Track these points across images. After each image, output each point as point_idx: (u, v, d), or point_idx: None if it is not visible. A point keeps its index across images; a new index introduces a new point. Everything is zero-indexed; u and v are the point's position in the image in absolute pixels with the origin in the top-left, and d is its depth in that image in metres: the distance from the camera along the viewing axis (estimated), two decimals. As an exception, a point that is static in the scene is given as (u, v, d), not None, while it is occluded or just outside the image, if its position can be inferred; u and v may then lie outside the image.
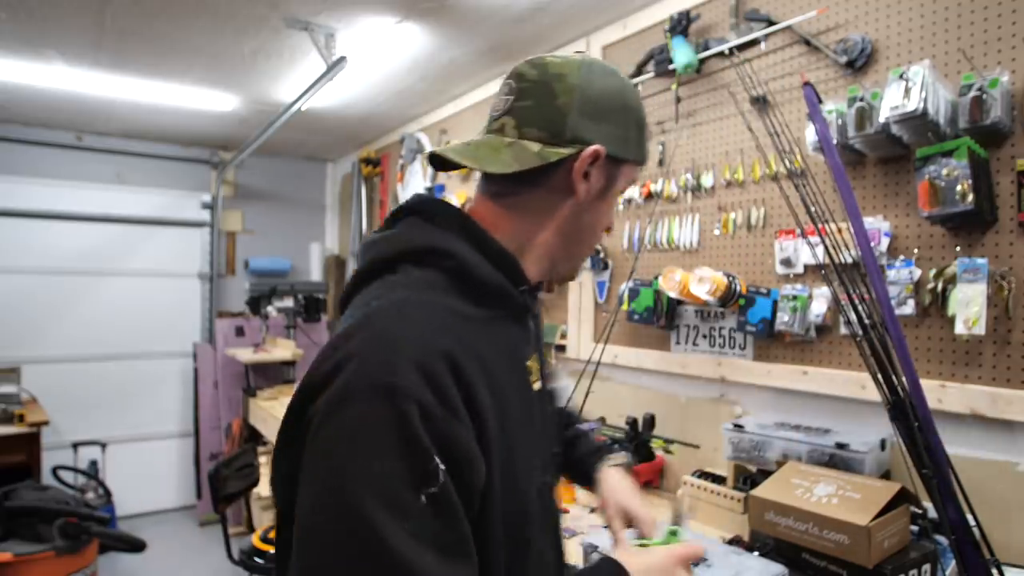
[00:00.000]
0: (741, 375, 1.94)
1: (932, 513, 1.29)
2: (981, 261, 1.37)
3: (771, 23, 1.85)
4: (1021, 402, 1.35)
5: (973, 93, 1.35)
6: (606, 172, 0.79)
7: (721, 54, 1.99)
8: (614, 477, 1.11)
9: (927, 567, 1.28)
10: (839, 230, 1.30)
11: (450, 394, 0.62)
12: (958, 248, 1.46)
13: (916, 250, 1.54)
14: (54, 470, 3.88)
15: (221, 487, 2.51)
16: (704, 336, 2.06)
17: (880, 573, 1.22)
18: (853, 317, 1.20)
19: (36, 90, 3.42)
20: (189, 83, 3.30)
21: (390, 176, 4.24)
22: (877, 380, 1.16)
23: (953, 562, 1.18)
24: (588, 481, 1.12)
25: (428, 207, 0.79)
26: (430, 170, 3.58)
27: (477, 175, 0.83)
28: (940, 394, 1.46)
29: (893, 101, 1.42)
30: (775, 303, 1.80)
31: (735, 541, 1.52)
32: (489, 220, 0.78)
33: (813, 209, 1.28)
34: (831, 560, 1.27)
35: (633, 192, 2.32)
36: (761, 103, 1.82)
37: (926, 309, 1.50)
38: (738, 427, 1.72)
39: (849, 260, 1.25)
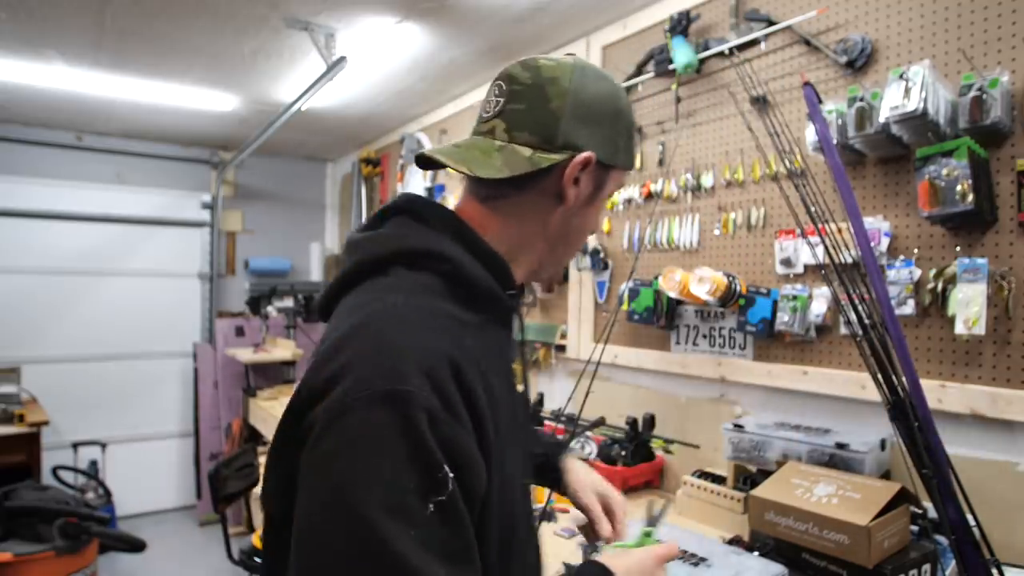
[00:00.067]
0: (741, 375, 1.94)
1: (932, 513, 1.30)
2: (981, 261, 1.37)
3: (771, 23, 1.85)
4: (1021, 402, 1.35)
5: (973, 93, 1.35)
6: (595, 178, 0.79)
7: (721, 54, 1.99)
8: (580, 465, 1.12)
9: (927, 567, 1.28)
10: (839, 230, 1.30)
11: (454, 400, 0.61)
12: (958, 248, 1.46)
13: (916, 250, 1.54)
14: (54, 470, 3.88)
15: (221, 487, 2.51)
16: (704, 336, 2.06)
17: (880, 573, 1.22)
18: (853, 317, 1.20)
19: (36, 90, 3.42)
20: (189, 83, 3.30)
21: (390, 176, 4.24)
22: (877, 380, 1.16)
23: (953, 562, 1.18)
24: (550, 474, 1.11)
25: (419, 207, 0.77)
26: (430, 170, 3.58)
27: None
28: (940, 394, 1.46)
29: (893, 101, 1.42)
30: (775, 303, 1.80)
31: (735, 541, 1.52)
32: (478, 222, 0.78)
33: (813, 209, 1.28)
34: (831, 560, 1.27)
35: (633, 192, 2.32)
36: (761, 103, 1.82)
37: (926, 309, 1.50)
38: (738, 427, 1.72)
39: (849, 260, 1.25)
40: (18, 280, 4.23)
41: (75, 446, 4.27)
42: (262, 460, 2.96)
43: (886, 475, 1.54)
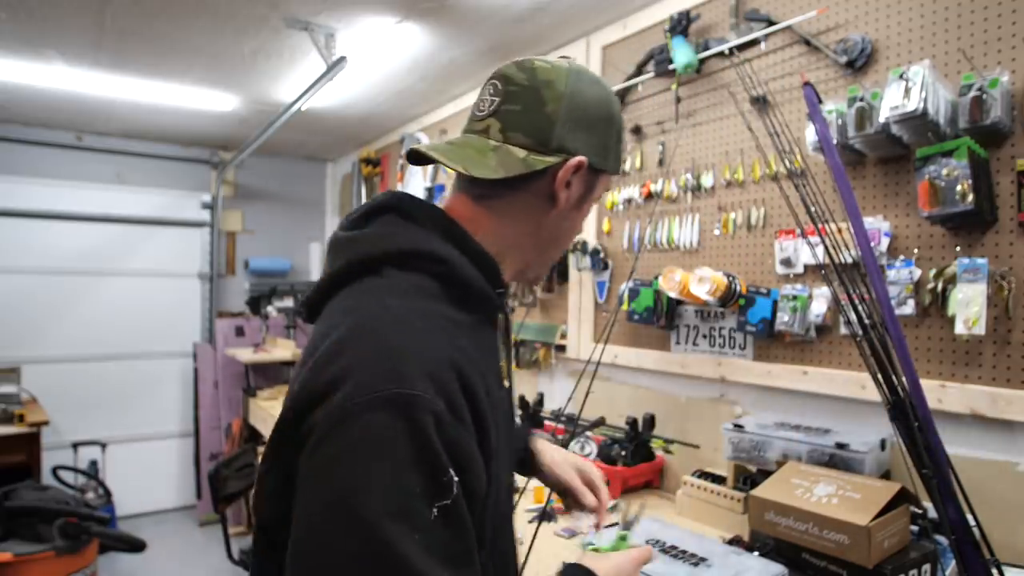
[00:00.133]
0: (741, 375, 1.94)
1: (932, 513, 1.30)
2: (981, 261, 1.37)
3: (771, 23, 1.85)
4: (1021, 402, 1.35)
5: (973, 93, 1.35)
6: (585, 181, 0.80)
7: (721, 54, 1.99)
8: (549, 444, 1.13)
9: (927, 567, 1.28)
10: (839, 230, 1.30)
11: (458, 403, 0.61)
12: (958, 248, 1.46)
13: (916, 250, 1.54)
14: (54, 470, 3.88)
15: (221, 487, 2.52)
16: (704, 336, 2.06)
17: (880, 573, 1.22)
18: (853, 317, 1.20)
19: (36, 90, 3.42)
20: (189, 83, 3.30)
21: (390, 176, 4.24)
22: (877, 380, 1.16)
23: (953, 562, 1.18)
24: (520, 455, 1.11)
25: (406, 205, 0.76)
26: (430, 170, 3.58)
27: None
28: (940, 394, 1.46)
29: (893, 101, 1.42)
30: (775, 303, 1.80)
31: (735, 541, 1.52)
32: (469, 220, 0.78)
33: (813, 209, 1.28)
34: (831, 560, 1.27)
35: (633, 192, 2.32)
36: (761, 103, 1.82)
37: (926, 309, 1.50)
38: (738, 427, 1.72)
39: (849, 260, 1.25)
40: (18, 280, 4.23)
41: (75, 446, 4.27)
42: (262, 460, 2.97)
43: (886, 475, 1.54)
